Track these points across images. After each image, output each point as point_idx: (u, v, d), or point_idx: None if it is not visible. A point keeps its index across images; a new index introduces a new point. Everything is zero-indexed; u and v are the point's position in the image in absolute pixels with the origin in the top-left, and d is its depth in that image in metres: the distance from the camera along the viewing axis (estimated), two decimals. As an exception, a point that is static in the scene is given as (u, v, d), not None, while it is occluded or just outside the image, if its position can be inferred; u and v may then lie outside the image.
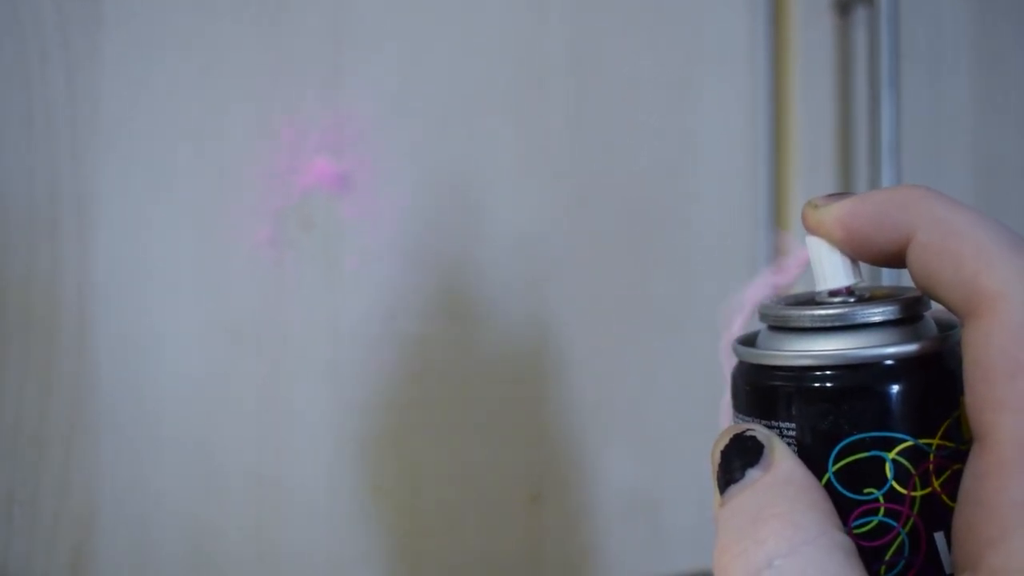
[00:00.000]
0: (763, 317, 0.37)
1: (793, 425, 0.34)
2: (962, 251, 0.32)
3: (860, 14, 0.66)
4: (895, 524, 0.34)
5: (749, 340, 0.38)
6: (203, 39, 0.55)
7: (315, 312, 0.57)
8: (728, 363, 0.39)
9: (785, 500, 0.33)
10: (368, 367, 0.58)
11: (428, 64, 0.59)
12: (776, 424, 0.35)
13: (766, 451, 0.34)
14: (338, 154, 0.57)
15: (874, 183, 0.66)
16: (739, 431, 0.35)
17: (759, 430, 0.35)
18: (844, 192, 0.36)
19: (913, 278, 0.34)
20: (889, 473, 0.34)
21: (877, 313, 0.35)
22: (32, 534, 0.53)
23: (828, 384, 0.34)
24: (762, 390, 0.35)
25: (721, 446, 0.35)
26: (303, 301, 0.57)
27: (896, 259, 0.34)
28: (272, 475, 0.57)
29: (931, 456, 0.34)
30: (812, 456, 0.34)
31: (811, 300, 0.37)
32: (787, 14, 0.66)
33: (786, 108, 0.67)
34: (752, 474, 0.34)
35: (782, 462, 0.34)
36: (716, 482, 0.35)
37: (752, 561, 0.31)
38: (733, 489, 0.34)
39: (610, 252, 0.63)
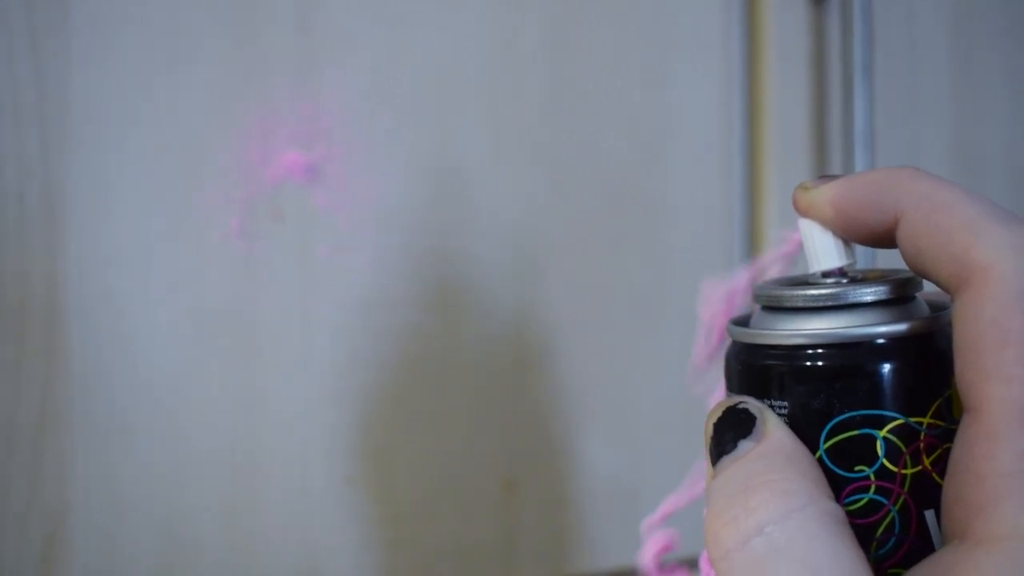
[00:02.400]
0: (756, 297, 0.37)
1: (785, 403, 0.35)
2: (950, 226, 0.33)
3: (834, 2, 0.67)
4: (886, 502, 0.34)
5: (742, 320, 0.38)
6: (172, 29, 0.55)
7: (287, 303, 0.57)
8: (704, 349, 0.40)
9: (776, 469, 0.33)
10: (340, 357, 0.58)
11: (401, 54, 0.59)
12: (769, 403, 0.35)
13: (758, 423, 0.34)
14: (309, 144, 0.57)
15: (848, 171, 0.66)
16: (731, 404, 0.35)
17: (751, 402, 0.35)
18: (834, 174, 0.37)
19: (903, 256, 0.35)
20: (880, 451, 0.34)
21: (869, 293, 0.35)
22: (3, 524, 0.52)
23: (820, 363, 0.35)
24: (755, 369, 0.36)
25: (714, 419, 0.35)
26: (274, 292, 0.57)
27: (887, 238, 0.35)
28: (245, 465, 0.56)
29: (922, 435, 0.34)
30: (804, 434, 0.34)
31: (804, 281, 0.38)
32: (761, 1, 0.67)
33: (760, 96, 0.67)
34: (744, 445, 0.34)
35: (774, 433, 0.34)
36: (708, 454, 0.35)
37: (743, 528, 0.32)
38: (725, 460, 0.34)
39: (586, 240, 0.63)
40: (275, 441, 0.57)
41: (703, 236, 0.65)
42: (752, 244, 0.66)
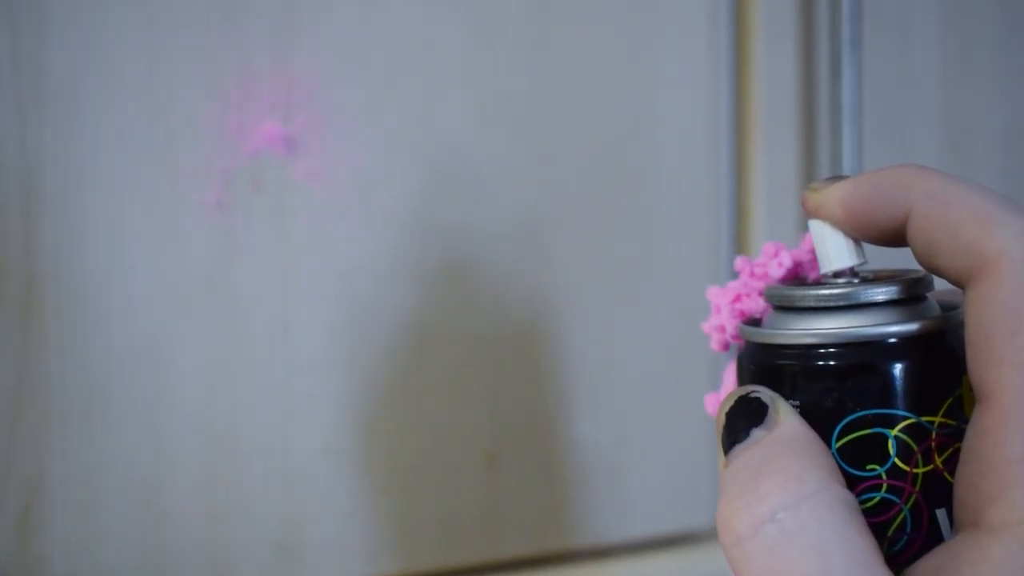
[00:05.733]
0: (768, 298, 0.37)
1: (797, 402, 0.35)
2: (961, 219, 0.33)
3: (823, -25, 0.67)
4: (897, 500, 0.34)
5: (754, 321, 0.38)
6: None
7: (266, 274, 0.57)
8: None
9: (788, 456, 0.33)
10: (321, 329, 0.58)
11: (382, 21, 0.58)
12: None
13: (770, 411, 0.35)
14: (288, 113, 0.57)
15: (835, 147, 0.66)
16: (744, 393, 0.35)
17: (763, 391, 0.35)
18: (841, 175, 0.37)
19: (914, 252, 0.35)
20: (892, 450, 0.34)
21: (880, 293, 0.35)
22: (-21, 495, 0.52)
23: (832, 362, 0.35)
24: (767, 369, 0.36)
25: (726, 408, 0.36)
26: (254, 262, 0.56)
27: (897, 236, 0.35)
28: (224, 436, 0.56)
29: (933, 434, 0.34)
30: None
31: (815, 281, 0.38)
32: (749, -26, 0.67)
33: (747, 70, 0.67)
34: (756, 433, 0.34)
35: (786, 421, 0.34)
36: (721, 443, 0.35)
37: (755, 514, 0.32)
38: (737, 449, 0.34)
39: (571, 214, 0.62)
40: (255, 413, 0.57)
41: (690, 211, 0.65)
42: (739, 219, 0.66)
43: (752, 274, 0.39)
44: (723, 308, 0.39)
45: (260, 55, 0.56)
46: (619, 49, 0.63)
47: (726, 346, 0.40)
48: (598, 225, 0.63)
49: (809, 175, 0.67)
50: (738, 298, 0.39)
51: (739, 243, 0.66)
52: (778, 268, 0.39)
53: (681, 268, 0.65)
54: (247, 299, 0.56)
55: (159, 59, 0.54)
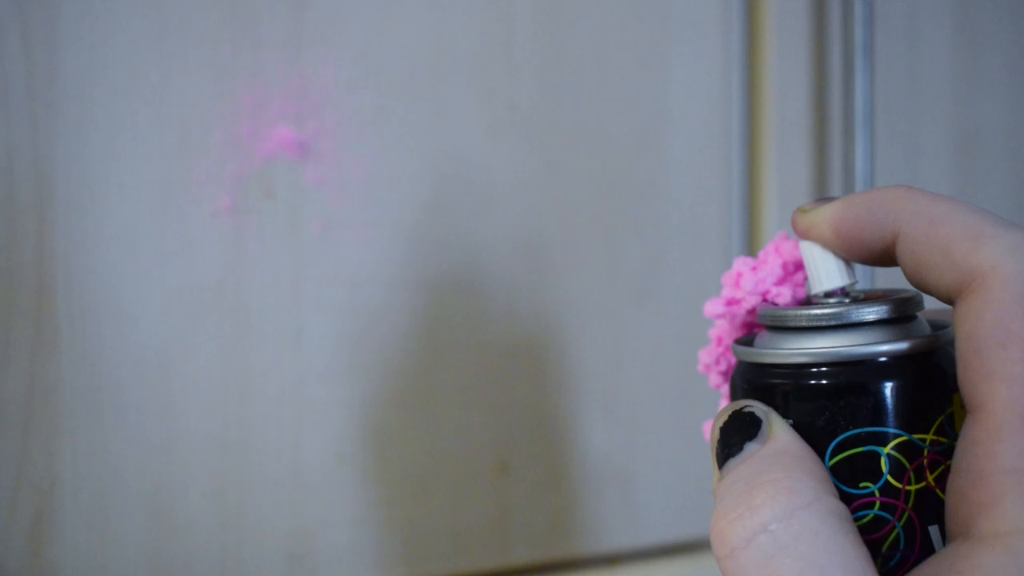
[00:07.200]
0: (761, 317, 0.38)
1: (790, 421, 0.35)
2: (950, 236, 0.33)
3: (834, -18, 0.67)
4: (890, 518, 0.35)
5: (747, 340, 0.39)
6: (162, 3, 0.54)
7: (278, 280, 0.57)
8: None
9: (781, 468, 0.34)
10: (332, 335, 0.58)
11: (394, 29, 0.58)
12: None
13: (764, 425, 0.35)
14: (300, 120, 0.57)
15: (848, 152, 0.66)
16: (738, 407, 0.36)
17: (757, 406, 0.36)
18: (831, 196, 0.38)
19: (904, 271, 0.35)
20: (884, 467, 0.35)
21: (871, 312, 0.36)
22: (-9, 501, 0.53)
23: (824, 381, 0.35)
24: (759, 388, 0.36)
25: (720, 423, 0.36)
26: (265, 269, 0.56)
27: (886, 256, 0.36)
28: (235, 442, 0.56)
29: (925, 451, 0.35)
30: None
31: (807, 301, 0.38)
32: (761, -19, 0.66)
33: (760, 78, 0.67)
34: (750, 447, 0.35)
35: (779, 435, 0.35)
36: (715, 458, 0.36)
37: (748, 525, 0.32)
38: (731, 462, 0.35)
39: (582, 222, 0.62)
40: (266, 419, 0.57)
41: (701, 219, 0.65)
42: (751, 228, 0.66)
43: (729, 313, 0.40)
44: (713, 351, 0.40)
45: (272, 62, 0.56)
46: (630, 56, 0.63)
47: (726, 376, 0.40)
48: (609, 233, 0.63)
49: (821, 181, 0.67)
50: (719, 340, 0.40)
51: (750, 252, 0.66)
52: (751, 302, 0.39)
53: (692, 277, 0.65)
54: (258, 306, 0.57)
55: (171, 66, 0.55)
